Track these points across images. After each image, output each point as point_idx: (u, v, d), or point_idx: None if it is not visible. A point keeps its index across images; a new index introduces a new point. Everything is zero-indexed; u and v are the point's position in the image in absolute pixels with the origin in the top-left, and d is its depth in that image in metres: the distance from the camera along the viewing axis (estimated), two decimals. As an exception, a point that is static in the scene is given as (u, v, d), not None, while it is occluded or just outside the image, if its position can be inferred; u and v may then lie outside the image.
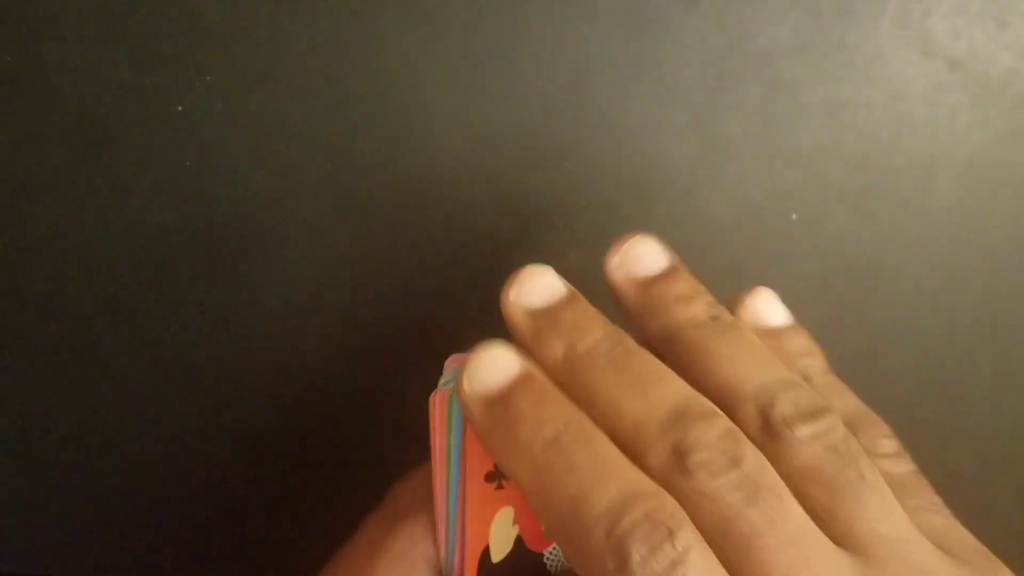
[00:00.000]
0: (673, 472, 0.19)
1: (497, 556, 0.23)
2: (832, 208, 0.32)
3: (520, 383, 0.21)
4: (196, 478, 0.35)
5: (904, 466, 0.22)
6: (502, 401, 0.20)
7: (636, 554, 0.18)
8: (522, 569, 0.23)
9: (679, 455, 0.19)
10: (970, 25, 0.31)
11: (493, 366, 0.21)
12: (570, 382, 0.21)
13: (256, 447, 0.34)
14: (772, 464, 0.20)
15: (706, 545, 0.18)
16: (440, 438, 0.22)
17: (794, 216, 0.32)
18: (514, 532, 0.23)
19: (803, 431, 0.20)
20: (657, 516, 0.18)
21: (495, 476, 0.22)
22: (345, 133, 0.31)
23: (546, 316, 0.21)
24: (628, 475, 0.19)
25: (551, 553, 0.24)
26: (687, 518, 0.19)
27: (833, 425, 0.20)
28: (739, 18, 0.31)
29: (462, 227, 0.32)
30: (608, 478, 0.19)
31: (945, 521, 0.21)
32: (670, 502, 0.19)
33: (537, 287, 0.22)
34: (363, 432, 0.34)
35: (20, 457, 0.35)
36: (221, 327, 0.33)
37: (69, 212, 0.32)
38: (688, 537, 0.18)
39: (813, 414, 0.20)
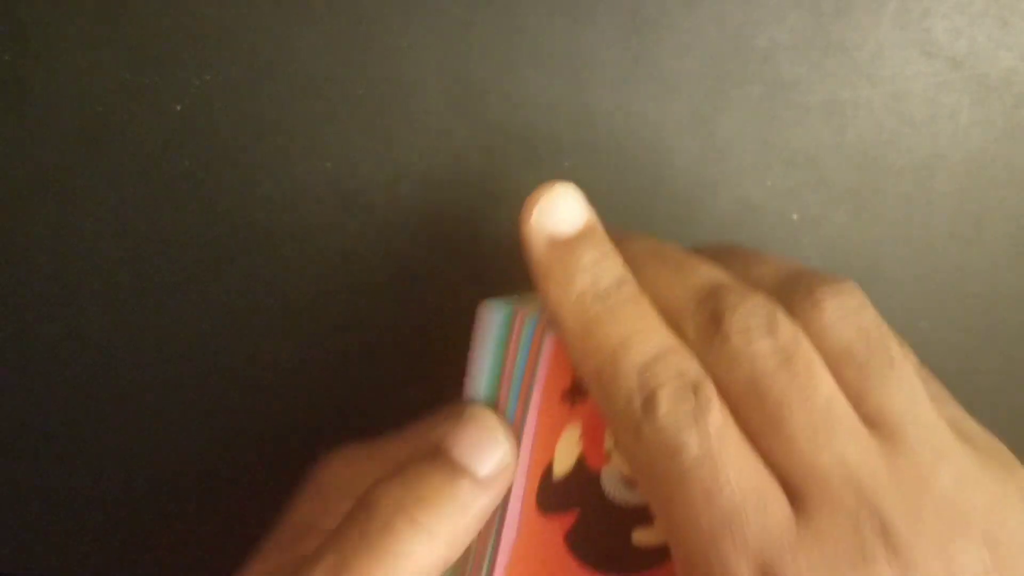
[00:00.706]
0: (711, 336, 0.20)
1: (560, 472, 0.24)
2: (832, 208, 0.32)
3: (586, 233, 0.22)
4: (197, 479, 0.35)
5: (913, 358, 0.23)
6: (567, 245, 0.22)
7: (663, 402, 0.20)
8: (580, 486, 0.24)
9: (716, 319, 0.20)
10: (970, 25, 0.31)
11: (564, 208, 0.22)
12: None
13: (258, 448, 0.34)
14: (811, 342, 0.20)
15: (725, 405, 0.20)
16: (511, 357, 0.23)
17: (794, 216, 0.32)
18: (578, 450, 0.24)
19: (834, 311, 0.21)
20: (687, 374, 0.20)
21: (570, 394, 0.23)
22: (345, 133, 0.31)
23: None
24: (666, 336, 0.21)
25: (607, 471, 0.25)
26: (711, 381, 0.20)
27: (863, 304, 0.21)
28: (739, 18, 0.31)
29: (462, 227, 0.32)
30: (648, 335, 0.21)
31: (959, 412, 0.22)
32: (699, 366, 0.20)
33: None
34: (365, 434, 0.34)
35: (20, 457, 0.35)
36: (222, 326, 0.33)
37: (69, 212, 0.32)
38: (711, 394, 0.20)
39: (837, 292, 0.21)
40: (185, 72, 0.31)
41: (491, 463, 0.22)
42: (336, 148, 0.32)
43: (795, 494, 0.20)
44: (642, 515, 0.25)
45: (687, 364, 0.20)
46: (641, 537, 0.25)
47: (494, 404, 0.23)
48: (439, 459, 0.22)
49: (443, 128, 0.31)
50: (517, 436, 0.23)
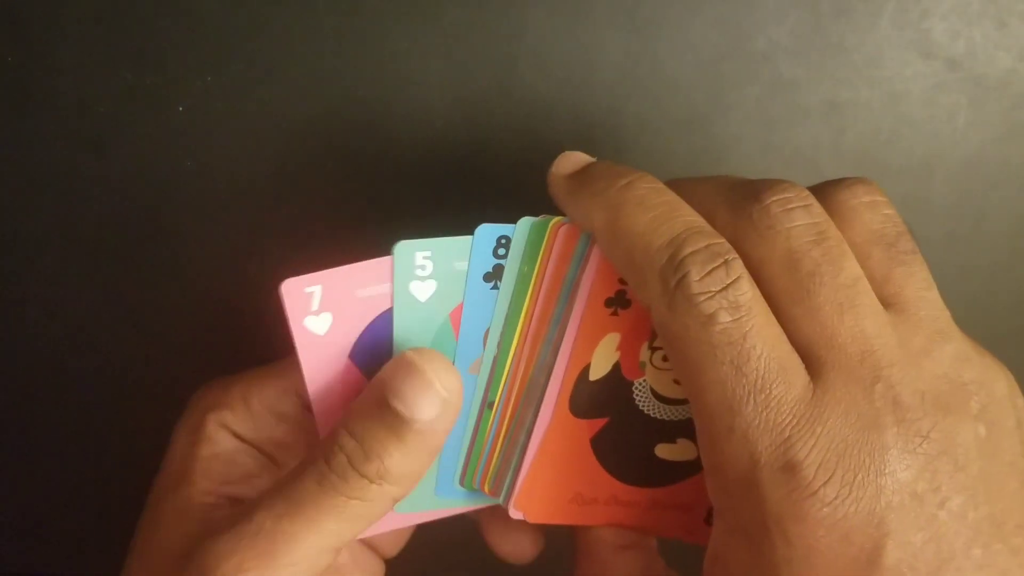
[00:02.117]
0: (750, 211, 0.22)
1: (595, 375, 0.25)
2: (831, 208, 0.32)
3: (596, 163, 0.24)
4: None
5: None
6: (581, 171, 0.24)
7: (695, 274, 0.21)
8: (613, 392, 0.26)
9: (756, 195, 0.22)
10: (969, 26, 0.31)
11: (576, 158, 0.25)
12: None
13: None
14: (840, 231, 0.22)
15: (752, 279, 0.21)
16: (556, 266, 0.25)
17: (793, 216, 0.32)
18: (615, 356, 0.25)
19: (864, 197, 0.22)
20: (716, 249, 0.21)
21: (614, 302, 0.25)
22: (345, 133, 0.32)
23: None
24: (694, 217, 0.22)
25: (640, 384, 0.26)
26: (739, 258, 0.21)
27: (884, 195, 0.23)
28: (738, 18, 0.31)
29: (462, 227, 0.32)
30: (676, 216, 0.22)
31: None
32: (727, 243, 0.21)
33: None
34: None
35: (20, 457, 0.35)
36: (223, 325, 0.33)
37: (69, 212, 0.32)
38: (740, 268, 0.21)
39: (866, 183, 0.23)
40: (187, 73, 0.31)
41: (431, 409, 0.23)
42: (336, 148, 0.32)
43: (814, 363, 0.21)
44: (668, 431, 0.26)
45: (716, 240, 0.21)
46: (664, 452, 0.27)
47: (519, 309, 0.25)
48: (384, 411, 0.23)
49: (443, 128, 0.31)
50: (570, 334, 0.25)
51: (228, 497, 0.26)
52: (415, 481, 0.24)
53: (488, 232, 0.25)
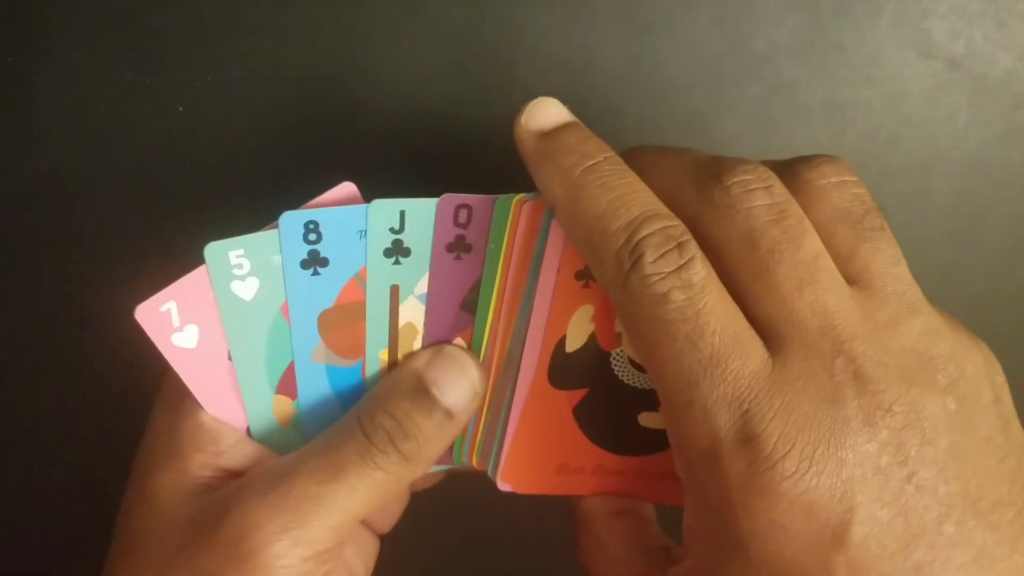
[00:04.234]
0: (711, 191, 0.22)
1: (571, 347, 0.26)
2: (831, 208, 0.32)
3: (568, 124, 0.24)
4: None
5: None
6: (552, 134, 0.24)
7: (649, 256, 0.21)
8: (590, 363, 0.26)
9: (717, 176, 0.22)
10: (968, 26, 0.31)
11: (547, 110, 0.24)
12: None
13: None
14: (804, 209, 0.22)
15: (707, 261, 0.21)
16: (523, 242, 0.25)
17: (793, 216, 0.32)
18: (590, 328, 0.26)
19: (832, 178, 0.22)
20: (670, 232, 0.21)
21: (585, 275, 0.25)
22: (345, 133, 0.32)
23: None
24: (652, 201, 0.22)
25: (617, 355, 0.26)
26: (694, 240, 0.21)
27: (853, 173, 0.23)
28: (738, 19, 0.31)
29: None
30: (634, 200, 0.22)
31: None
32: (683, 226, 0.22)
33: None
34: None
35: (20, 457, 0.35)
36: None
37: (69, 212, 0.32)
38: (693, 249, 0.21)
39: (835, 161, 0.23)
40: (187, 73, 0.31)
41: (464, 398, 0.26)
42: (336, 148, 0.32)
43: (774, 340, 0.21)
44: (649, 399, 0.27)
45: (672, 224, 0.22)
46: (647, 420, 0.27)
47: (491, 286, 0.26)
48: (421, 395, 0.26)
49: (443, 128, 0.31)
50: (541, 308, 0.25)
51: (224, 470, 0.26)
52: (430, 465, 0.26)
53: (294, 220, 0.25)
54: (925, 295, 0.22)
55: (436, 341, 0.27)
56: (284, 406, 0.27)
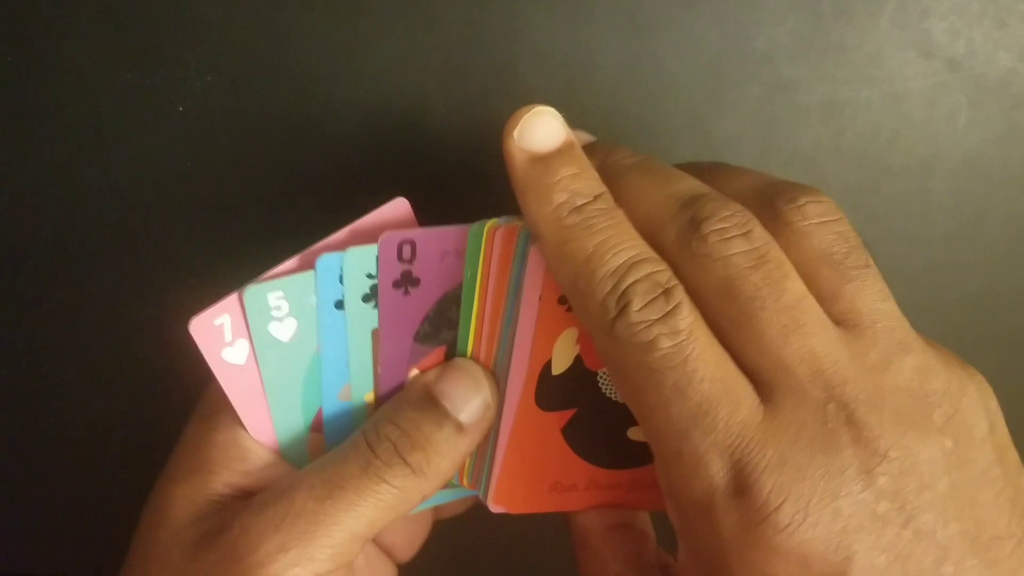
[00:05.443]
0: (688, 239, 0.21)
1: (557, 370, 0.26)
2: (831, 208, 0.32)
3: (564, 150, 0.23)
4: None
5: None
6: (545, 161, 0.23)
7: (635, 302, 0.21)
8: (577, 383, 0.26)
9: (695, 224, 0.21)
10: (969, 26, 0.31)
11: (543, 127, 0.23)
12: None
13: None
14: (786, 251, 0.21)
15: (694, 307, 0.21)
16: (499, 267, 0.25)
17: (793, 216, 0.32)
18: (575, 350, 0.26)
19: (813, 219, 0.22)
20: (657, 279, 0.21)
21: (566, 299, 0.24)
22: (345, 133, 0.32)
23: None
24: (639, 246, 0.22)
25: (604, 373, 0.26)
26: (681, 286, 0.21)
27: (836, 211, 0.22)
28: (738, 18, 0.31)
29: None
30: (621, 245, 0.22)
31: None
32: (669, 272, 0.21)
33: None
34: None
35: (20, 457, 0.35)
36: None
37: (69, 212, 0.32)
38: (680, 295, 0.21)
39: (817, 200, 0.22)
40: (187, 73, 0.31)
41: (475, 411, 0.25)
42: (336, 148, 0.32)
43: (764, 388, 0.21)
44: None
45: (658, 269, 0.21)
46: (636, 434, 0.27)
47: (470, 314, 0.26)
48: (429, 406, 0.25)
49: (443, 128, 0.31)
50: (524, 333, 0.25)
51: (244, 490, 0.26)
52: (443, 481, 0.25)
53: (329, 262, 0.25)
54: (925, 295, 0.22)
55: (392, 375, 0.26)
56: (319, 443, 0.27)
